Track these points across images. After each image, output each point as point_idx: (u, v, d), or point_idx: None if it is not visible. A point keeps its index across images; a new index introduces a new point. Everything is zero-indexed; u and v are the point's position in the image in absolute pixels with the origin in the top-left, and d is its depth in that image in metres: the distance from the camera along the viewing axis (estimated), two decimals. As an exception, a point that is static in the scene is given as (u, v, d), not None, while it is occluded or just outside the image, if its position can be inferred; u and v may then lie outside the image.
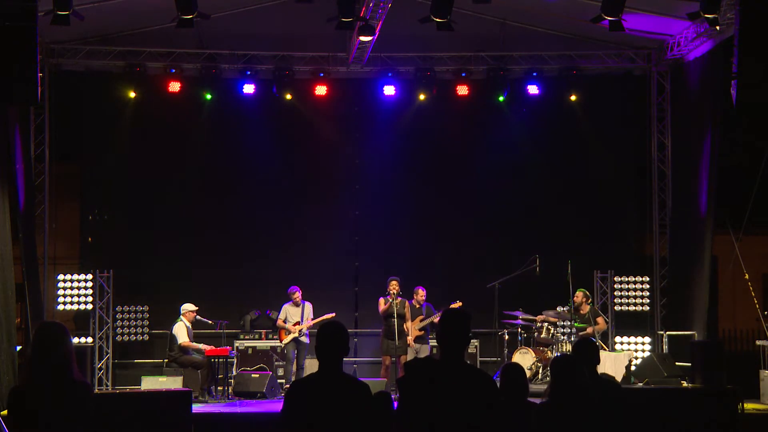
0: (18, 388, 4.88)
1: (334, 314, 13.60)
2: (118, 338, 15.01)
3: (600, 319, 14.23)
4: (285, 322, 13.91)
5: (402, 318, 13.21)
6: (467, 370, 4.90)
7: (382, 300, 13.36)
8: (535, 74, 15.78)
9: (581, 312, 14.16)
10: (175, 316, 13.90)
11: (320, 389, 4.80)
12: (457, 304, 13.35)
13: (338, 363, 4.89)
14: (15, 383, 12.36)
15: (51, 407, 4.62)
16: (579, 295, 14.19)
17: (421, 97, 15.88)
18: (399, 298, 13.23)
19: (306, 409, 4.76)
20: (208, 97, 15.66)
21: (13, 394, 4.78)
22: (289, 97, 15.79)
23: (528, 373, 13.46)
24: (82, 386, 4.75)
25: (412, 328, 13.45)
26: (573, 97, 15.87)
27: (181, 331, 13.64)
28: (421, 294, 13.63)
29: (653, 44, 15.55)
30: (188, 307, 13.85)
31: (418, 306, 13.58)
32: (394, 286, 13.22)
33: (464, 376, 4.81)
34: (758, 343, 13.59)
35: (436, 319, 13.28)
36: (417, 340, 13.49)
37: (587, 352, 6.17)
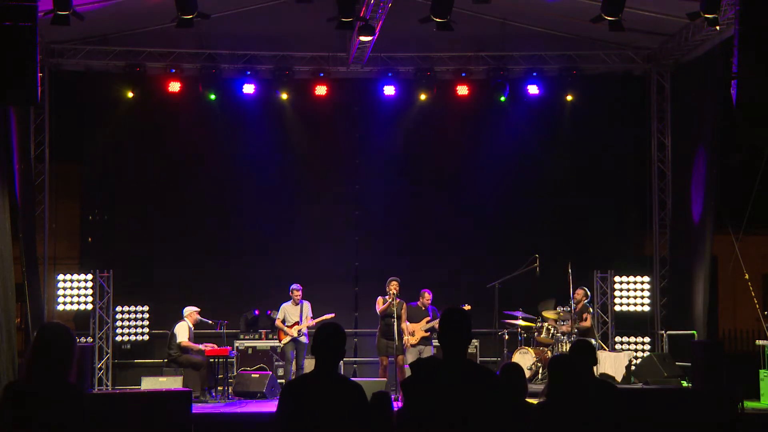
0: (11, 384, 4.88)
1: (333, 315, 13.59)
2: (118, 338, 15.01)
3: (587, 316, 14.16)
4: (284, 321, 13.88)
5: (399, 319, 13.18)
6: (472, 369, 4.91)
7: (380, 299, 13.33)
8: (535, 74, 15.77)
9: (578, 309, 14.17)
10: (175, 316, 13.90)
11: (314, 390, 4.81)
12: (466, 308, 13.27)
13: (333, 364, 4.90)
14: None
15: (39, 408, 4.61)
16: (580, 293, 14.21)
17: (422, 97, 15.88)
18: (398, 300, 13.21)
19: (299, 409, 4.77)
20: (213, 97, 15.65)
21: (7, 390, 4.78)
22: (288, 97, 15.79)
23: (528, 373, 13.46)
24: (73, 390, 4.72)
25: (418, 329, 13.39)
26: (572, 97, 15.86)
27: (182, 331, 13.64)
28: (427, 297, 13.50)
29: (654, 43, 15.55)
30: (191, 309, 13.87)
31: (423, 309, 13.53)
32: (394, 287, 13.19)
33: (469, 374, 4.82)
34: (758, 343, 13.59)
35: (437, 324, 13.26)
36: (422, 341, 13.41)
37: (584, 353, 6.15)
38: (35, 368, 4.67)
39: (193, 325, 13.83)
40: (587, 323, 14.15)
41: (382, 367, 13.31)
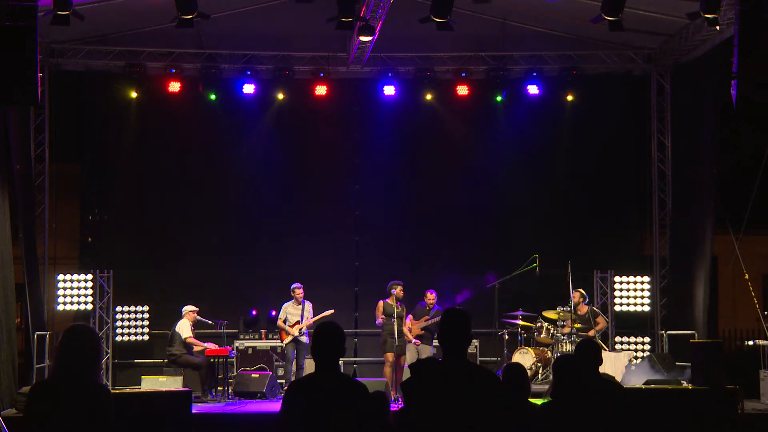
0: (39, 384, 4.96)
1: (333, 311, 13.60)
2: (118, 338, 15.01)
3: (600, 319, 14.22)
4: (285, 321, 13.87)
5: (401, 319, 13.19)
6: (472, 370, 4.91)
7: (380, 303, 13.34)
8: (535, 74, 15.76)
9: (579, 313, 14.15)
10: (175, 316, 13.90)
11: (318, 390, 4.80)
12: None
13: (334, 363, 4.88)
14: (16, 384, 12.38)
15: (68, 408, 4.65)
16: (576, 296, 14.17)
17: (422, 97, 15.87)
18: (398, 304, 13.20)
19: (304, 409, 4.76)
20: (213, 97, 15.64)
21: (34, 390, 4.85)
22: (288, 97, 15.78)
23: (528, 373, 13.46)
24: (100, 390, 4.78)
25: (415, 326, 13.43)
26: (572, 97, 15.86)
27: (185, 328, 13.66)
28: (431, 297, 13.55)
29: (654, 43, 15.55)
30: (189, 307, 13.87)
31: (428, 308, 13.56)
32: (398, 291, 13.20)
33: (469, 375, 4.81)
34: (758, 342, 13.59)
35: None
36: (418, 338, 13.43)
37: (589, 353, 6.13)
38: (62, 369, 4.73)
39: (192, 323, 13.83)
40: (602, 325, 14.18)
41: (388, 363, 13.25)
